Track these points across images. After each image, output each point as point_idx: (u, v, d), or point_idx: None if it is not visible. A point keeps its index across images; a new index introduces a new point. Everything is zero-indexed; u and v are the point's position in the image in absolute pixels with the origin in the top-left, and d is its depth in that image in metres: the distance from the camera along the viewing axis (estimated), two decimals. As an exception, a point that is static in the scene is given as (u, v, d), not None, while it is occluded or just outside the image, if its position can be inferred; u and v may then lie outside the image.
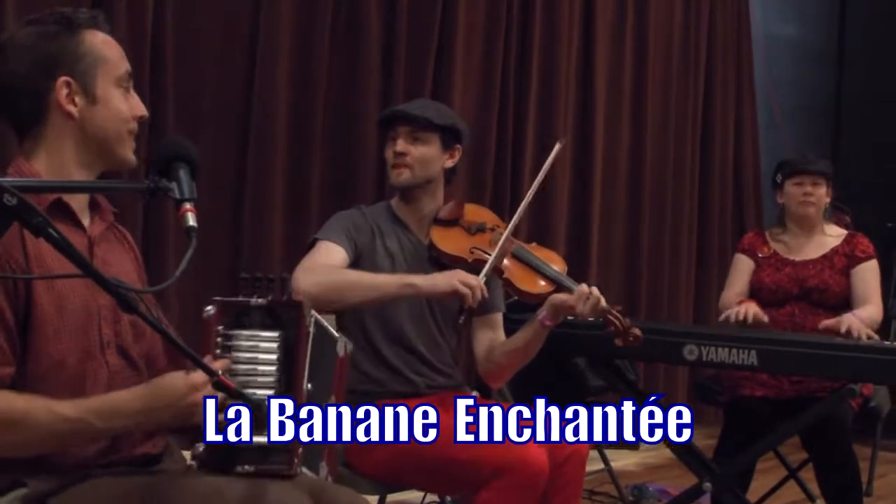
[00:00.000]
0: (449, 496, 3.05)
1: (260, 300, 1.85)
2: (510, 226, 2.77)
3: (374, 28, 4.22)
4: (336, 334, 2.00)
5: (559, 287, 2.72)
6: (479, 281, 2.57)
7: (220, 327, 1.84)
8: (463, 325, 2.82)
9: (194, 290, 3.53)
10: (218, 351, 1.82)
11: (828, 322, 3.40)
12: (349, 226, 2.72)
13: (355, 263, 2.69)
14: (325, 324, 1.95)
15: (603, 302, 2.68)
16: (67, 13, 1.82)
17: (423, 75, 4.38)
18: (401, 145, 2.72)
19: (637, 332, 2.71)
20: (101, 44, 1.82)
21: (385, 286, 2.59)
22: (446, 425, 2.57)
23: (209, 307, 1.84)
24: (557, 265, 2.80)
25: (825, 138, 6.73)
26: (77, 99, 1.78)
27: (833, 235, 3.76)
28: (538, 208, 4.87)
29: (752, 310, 3.50)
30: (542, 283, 2.75)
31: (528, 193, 2.87)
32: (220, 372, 1.68)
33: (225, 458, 1.79)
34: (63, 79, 1.77)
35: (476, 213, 2.87)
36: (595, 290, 2.68)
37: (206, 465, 1.80)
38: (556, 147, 2.91)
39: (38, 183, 1.69)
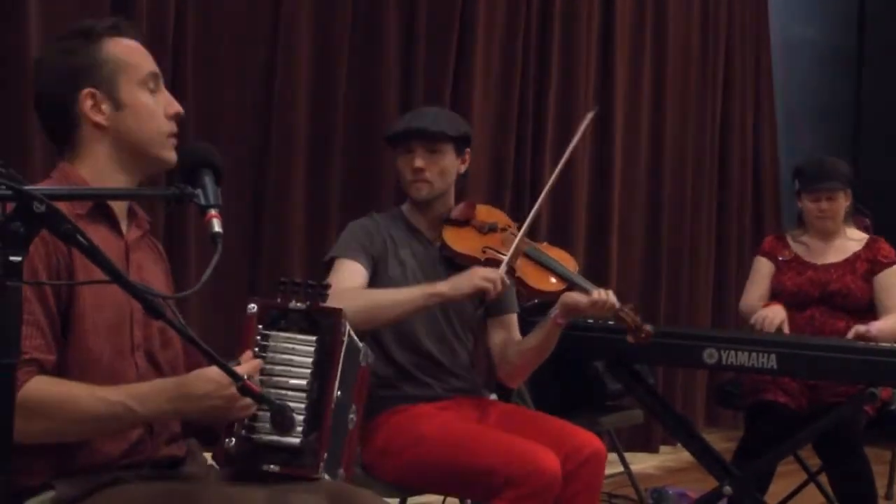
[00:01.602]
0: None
1: (300, 304, 1.89)
2: (525, 224, 2.79)
3: (393, 39, 4.23)
4: (360, 344, 2.03)
5: (571, 285, 2.74)
6: (499, 273, 2.60)
7: (259, 326, 1.87)
8: (482, 319, 2.84)
9: (215, 295, 3.55)
10: (256, 349, 1.86)
11: (859, 328, 3.39)
12: (363, 237, 2.75)
13: (372, 273, 2.72)
14: (353, 333, 1.98)
15: (614, 300, 2.70)
16: (88, 25, 1.85)
17: (442, 84, 4.38)
18: (419, 161, 2.74)
19: (648, 328, 2.74)
20: (122, 49, 1.85)
21: (413, 301, 2.60)
22: (462, 430, 2.60)
23: (251, 305, 1.88)
24: (569, 264, 2.82)
25: (844, 140, 6.70)
26: (104, 107, 1.82)
27: (855, 239, 3.75)
28: (556, 210, 4.87)
29: (779, 317, 3.49)
30: (554, 280, 2.76)
31: (556, 170, 2.84)
32: (245, 376, 1.71)
33: (252, 455, 1.83)
34: (87, 90, 1.81)
35: (488, 213, 2.89)
36: (610, 292, 2.70)
37: (233, 460, 1.84)
38: (589, 116, 2.91)
39: (67, 191, 1.72)
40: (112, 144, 1.83)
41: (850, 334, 3.39)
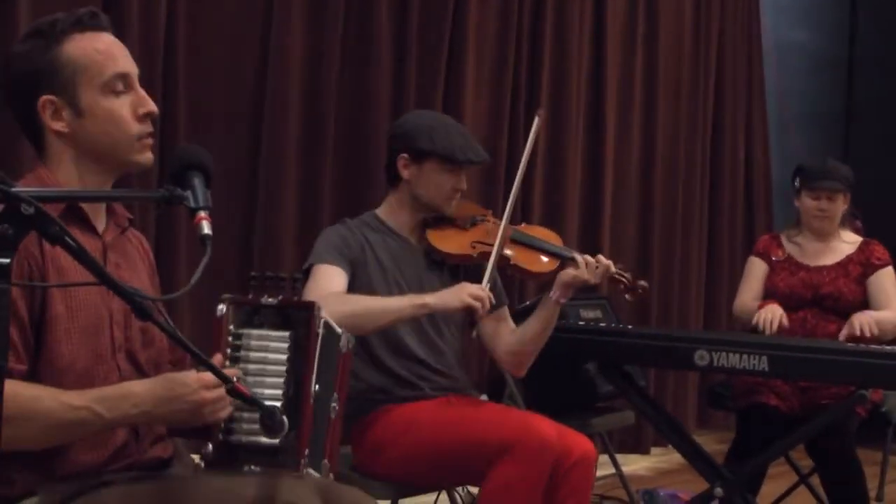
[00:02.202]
0: (463, 487, 3.07)
1: (271, 300, 1.85)
2: (506, 213, 2.80)
3: (385, 39, 4.23)
4: (339, 330, 1.99)
5: (563, 261, 2.78)
6: (485, 291, 2.60)
7: (231, 326, 1.83)
8: (474, 334, 2.85)
9: (206, 297, 3.53)
10: (228, 350, 1.82)
11: (844, 333, 3.41)
12: (339, 243, 2.74)
13: (350, 278, 2.71)
14: (332, 322, 1.95)
15: (612, 267, 2.79)
16: (46, 24, 1.77)
17: (434, 85, 4.38)
18: (465, 183, 2.81)
19: (644, 283, 2.87)
20: (83, 50, 1.75)
21: (401, 310, 2.60)
22: (454, 411, 2.60)
23: (221, 306, 1.84)
24: (554, 240, 2.86)
25: (835, 144, 6.71)
26: (64, 114, 1.76)
27: (848, 242, 3.75)
28: (547, 214, 4.87)
29: (776, 316, 3.50)
30: (547, 260, 2.81)
31: (518, 174, 2.90)
32: (235, 378, 1.69)
33: (232, 458, 1.81)
34: (45, 98, 1.74)
35: (465, 207, 2.89)
36: (600, 257, 2.78)
37: (214, 464, 1.81)
38: (536, 120, 2.94)
39: (55, 193, 1.70)
40: (77, 150, 1.77)
41: (844, 329, 3.40)
